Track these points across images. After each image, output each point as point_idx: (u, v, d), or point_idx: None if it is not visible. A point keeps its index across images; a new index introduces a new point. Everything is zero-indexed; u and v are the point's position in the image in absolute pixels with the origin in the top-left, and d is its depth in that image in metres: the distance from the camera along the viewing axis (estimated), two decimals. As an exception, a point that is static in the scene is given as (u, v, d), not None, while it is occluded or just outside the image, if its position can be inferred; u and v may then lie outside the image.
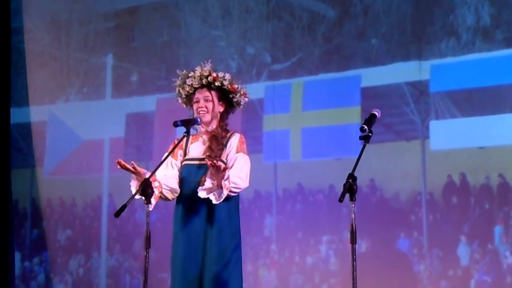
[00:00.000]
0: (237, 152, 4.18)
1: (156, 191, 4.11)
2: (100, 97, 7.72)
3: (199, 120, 4.21)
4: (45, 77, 8.09)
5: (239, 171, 4.09)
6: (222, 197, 4.00)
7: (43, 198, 8.01)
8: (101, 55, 7.76)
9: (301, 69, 6.51)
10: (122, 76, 7.63)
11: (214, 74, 4.24)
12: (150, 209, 3.93)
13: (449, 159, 5.78)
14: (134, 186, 4.14)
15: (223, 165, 3.94)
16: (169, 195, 4.22)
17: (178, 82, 4.32)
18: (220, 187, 3.99)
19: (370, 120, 3.75)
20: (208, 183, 3.99)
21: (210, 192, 4.00)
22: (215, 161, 3.90)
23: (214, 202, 4.01)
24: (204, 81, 4.24)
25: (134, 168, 4.05)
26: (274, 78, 6.61)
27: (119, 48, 7.67)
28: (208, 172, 4.01)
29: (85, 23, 7.90)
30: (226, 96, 4.28)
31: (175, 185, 4.22)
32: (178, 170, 4.27)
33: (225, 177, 3.97)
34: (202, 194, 4.01)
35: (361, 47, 6.22)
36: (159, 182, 4.16)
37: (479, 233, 5.61)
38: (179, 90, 4.32)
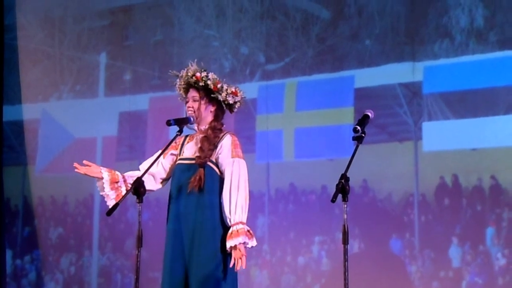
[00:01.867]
0: (232, 157, 4.14)
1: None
2: (93, 96, 7.71)
3: (192, 119, 4.21)
4: (38, 74, 8.08)
5: (237, 184, 4.08)
6: (250, 242, 4.02)
7: (35, 196, 7.99)
8: (94, 53, 7.75)
9: (294, 70, 6.51)
10: (115, 75, 7.62)
11: (198, 74, 4.21)
12: (108, 203, 4.10)
13: (442, 161, 5.79)
14: (99, 187, 4.21)
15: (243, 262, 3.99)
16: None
17: (175, 82, 4.33)
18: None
19: (363, 120, 3.75)
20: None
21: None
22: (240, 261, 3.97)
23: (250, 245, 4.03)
24: (190, 81, 4.23)
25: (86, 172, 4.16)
26: (268, 78, 6.61)
27: (113, 47, 7.65)
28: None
29: (79, 20, 7.89)
30: (214, 95, 4.25)
31: (148, 183, 4.20)
32: (164, 169, 4.29)
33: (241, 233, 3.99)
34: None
35: (354, 48, 6.23)
36: (125, 179, 4.21)
37: (471, 235, 5.62)
38: (179, 90, 4.34)
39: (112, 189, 4.22)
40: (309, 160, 6.33)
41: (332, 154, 6.14)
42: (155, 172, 4.28)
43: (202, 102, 4.23)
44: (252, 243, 4.04)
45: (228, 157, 4.13)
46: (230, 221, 4.03)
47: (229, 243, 3.99)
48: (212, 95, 4.22)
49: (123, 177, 4.27)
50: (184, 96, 4.32)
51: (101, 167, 4.26)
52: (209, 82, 4.20)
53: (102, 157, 7.51)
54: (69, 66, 7.92)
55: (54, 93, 7.99)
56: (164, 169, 4.31)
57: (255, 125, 6.60)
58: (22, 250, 8.05)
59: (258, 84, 6.66)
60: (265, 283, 6.36)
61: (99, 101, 7.67)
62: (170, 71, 4.38)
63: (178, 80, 4.30)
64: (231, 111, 4.33)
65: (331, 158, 6.16)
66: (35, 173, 8.00)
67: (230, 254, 4.06)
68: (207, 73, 4.22)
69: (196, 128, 4.27)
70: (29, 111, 8.08)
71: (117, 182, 4.25)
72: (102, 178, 4.21)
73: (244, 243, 3.99)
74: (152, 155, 4.27)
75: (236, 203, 4.05)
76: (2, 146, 8.21)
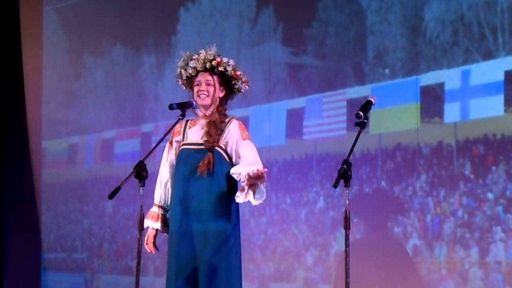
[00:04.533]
0: (244, 139, 4.21)
1: (160, 224, 4.28)
2: None
3: (194, 103, 4.21)
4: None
5: (256, 160, 4.14)
6: (262, 195, 4.02)
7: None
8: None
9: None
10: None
11: (219, 59, 4.24)
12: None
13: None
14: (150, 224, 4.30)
15: (265, 170, 3.96)
16: None
17: (181, 63, 4.32)
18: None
19: (365, 106, 3.75)
20: (244, 192, 4.01)
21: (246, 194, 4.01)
22: (260, 171, 3.93)
23: (254, 203, 4.03)
24: (207, 65, 4.24)
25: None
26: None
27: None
28: (244, 183, 4.01)
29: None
30: (228, 82, 4.29)
31: (170, 195, 4.30)
32: (171, 165, 4.31)
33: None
34: (239, 200, 4.05)
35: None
36: (163, 211, 4.31)
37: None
38: (180, 72, 4.32)
39: (155, 221, 4.30)
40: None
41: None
42: (173, 164, 4.32)
43: (217, 87, 4.25)
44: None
45: (240, 140, 4.20)
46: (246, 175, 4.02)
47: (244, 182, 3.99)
48: (231, 82, 4.28)
49: (159, 207, 4.32)
50: (185, 77, 4.31)
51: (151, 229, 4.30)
52: (229, 68, 4.25)
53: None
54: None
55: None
56: (174, 159, 4.33)
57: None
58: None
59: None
60: (268, 271, 6.37)
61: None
62: (182, 52, 4.37)
63: (190, 61, 4.28)
64: (233, 97, 4.40)
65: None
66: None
67: (235, 231, 4.16)
68: (228, 59, 4.26)
69: (199, 112, 4.28)
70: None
71: (158, 215, 4.32)
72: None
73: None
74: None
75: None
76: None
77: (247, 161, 4.12)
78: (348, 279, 3.49)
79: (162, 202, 4.31)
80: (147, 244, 4.25)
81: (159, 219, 4.27)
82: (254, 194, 4.00)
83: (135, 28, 7.62)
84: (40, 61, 8.40)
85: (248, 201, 4.02)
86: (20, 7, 8.30)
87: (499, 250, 5.05)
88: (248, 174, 3.94)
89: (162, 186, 4.31)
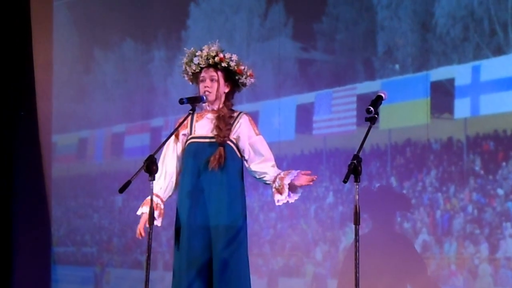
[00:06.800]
0: (257, 135, 4.28)
1: (157, 213, 4.20)
2: None
3: (204, 98, 4.22)
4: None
5: (271, 156, 4.27)
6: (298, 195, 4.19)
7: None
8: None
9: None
10: None
11: (221, 55, 4.26)
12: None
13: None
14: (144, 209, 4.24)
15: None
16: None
17: (185, 59, 4.33)
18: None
19: (376, 101, 3.74)
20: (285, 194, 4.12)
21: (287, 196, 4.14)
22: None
23: (291, 201, 4.18)
24: (210, 61, 4.26)
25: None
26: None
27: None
28: (279, 186, 4.11)
29: None
30: (232, 77, 4.31)
31: (172, 188, 4.31)
32: (177, 157, 4.31)
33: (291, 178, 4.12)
34: (280, 203, 4.18)
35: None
36: (160, 201, 4.26)
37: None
38: (185, 68, 4.34)
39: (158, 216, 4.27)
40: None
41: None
42: (179, 157, 4.32)
43: (221, 82, 4.26)
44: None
45: (253, 136, 4.26)
46: (276, 176, 4.15)
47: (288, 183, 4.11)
48: (236, 77, 4.30)
49: (157, 196, 4.27)
50: (190, 73, 4.33)
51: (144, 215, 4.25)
52: (232, 64, 4.27)
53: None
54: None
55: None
56: (181, 152, 4.34)
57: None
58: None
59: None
60: (277, 266, 6.37)
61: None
62: (185, 48, 4.38)
63: (194, 57, 4.29)
64: (239, 90, 4.43)
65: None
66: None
67: (245, 225, 4.20)
68: (230, 55, 4.27)
69: (206, 106, 4.30)
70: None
71: (156, 205, 4.25)
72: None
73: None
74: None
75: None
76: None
77: (264, 158, 4.22)
78: (357, 274, 3.49)
79: (162, 192, 4.27)
80: (140, 228, 4.22)
81: (156, 208, 4.21)
82: (294, 194, 4.14)
83: (145, 23, 7.62)
84: (50, 56, 8.42)
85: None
86: (30, 1, 8.31)
87: (509, 246, 5.04)
88: (300, 173, 4.08)
89: (167, 178, 4.28)
